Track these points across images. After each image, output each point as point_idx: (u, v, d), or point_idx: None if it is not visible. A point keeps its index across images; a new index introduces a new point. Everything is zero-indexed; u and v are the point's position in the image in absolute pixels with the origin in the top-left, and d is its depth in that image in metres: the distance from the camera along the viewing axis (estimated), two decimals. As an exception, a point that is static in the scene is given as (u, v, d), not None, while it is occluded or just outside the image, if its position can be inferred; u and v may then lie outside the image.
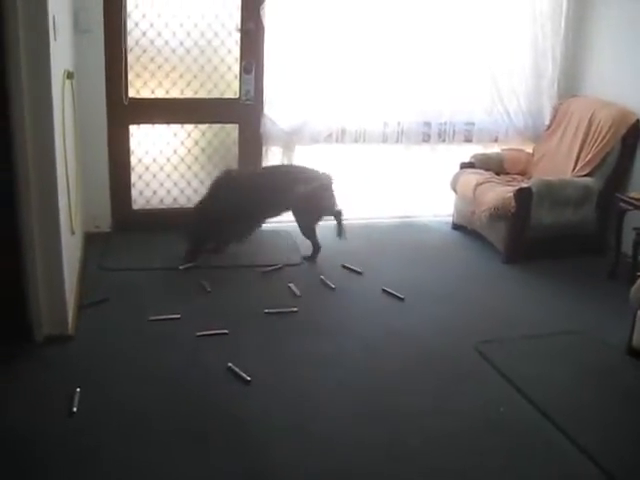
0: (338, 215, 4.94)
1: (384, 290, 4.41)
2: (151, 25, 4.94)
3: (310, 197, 4.75)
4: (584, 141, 5.25)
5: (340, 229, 4.95)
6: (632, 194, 4.67)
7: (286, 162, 5.38)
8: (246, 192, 4.64)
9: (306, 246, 4.94)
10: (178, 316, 3.94)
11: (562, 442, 3.02)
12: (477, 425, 3.14)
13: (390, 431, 3.06)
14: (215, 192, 4.74)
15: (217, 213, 4.59)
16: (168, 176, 5.30)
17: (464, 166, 5.64)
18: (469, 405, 3.28)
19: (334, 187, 4.86)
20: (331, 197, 4.86)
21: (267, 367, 3.50)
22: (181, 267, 4.58)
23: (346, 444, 2.95)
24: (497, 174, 5.52)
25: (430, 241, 5.44)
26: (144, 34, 4.95)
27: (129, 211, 5.25)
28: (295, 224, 4.90)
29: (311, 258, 4.89)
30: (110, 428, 2.97)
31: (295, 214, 4.86)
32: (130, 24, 4.88)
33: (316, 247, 4.89)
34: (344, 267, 4.77)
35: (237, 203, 4.59)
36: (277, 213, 4.95)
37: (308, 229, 4.87)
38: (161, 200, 5.34)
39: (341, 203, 4.94)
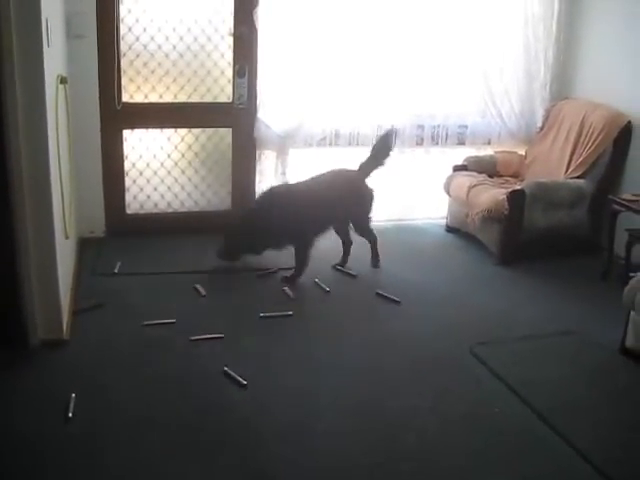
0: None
1: (378, 294, 4.42)
2: (144, 30, 4.95)
3: (361, 200, 4.80)
4: (576, 143, 5.27)
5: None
6: (624, 196, 4.69)
7: (280, 165, 5.39)
8: (301, 205, 4.55)
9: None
10: (173, 321, 3.94)
11: (556, 442, 3.03)
12: (472, 425, 3.15)
13: (387, 432, 3.07)
14: (269, 204, 4.64)
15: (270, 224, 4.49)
16: (162, 181, 5.31)
17: (457, 169, 5.66)
18: (464, 406, 3.29)
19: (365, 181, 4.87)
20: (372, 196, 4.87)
21: (263, 371, 3.50)
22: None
23: (343, 447, 2.96)
24: (490, 176, 5.54)
25: (424, 244, 5.46)
26: (137, 39, 4.96)
27: (123, 216, 5.25)
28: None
29: (375, 256, 4.90)
30: (106, 433, 2.97)
31: (354, 215, 4.84)
32: (123, 29, 4.89)
33: (374, 239, 4.90)
34: (338, 270, 4.78)
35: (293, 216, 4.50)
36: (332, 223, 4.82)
37: (367, 227, 4.88)
38: (155, 205, 5.34)
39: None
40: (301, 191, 4.69)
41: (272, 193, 4.73)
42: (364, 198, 4.82)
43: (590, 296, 4.55)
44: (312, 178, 4.79)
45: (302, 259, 4.62)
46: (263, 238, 4.57)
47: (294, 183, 4.90)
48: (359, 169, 4.86)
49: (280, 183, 5.19)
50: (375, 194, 4.86)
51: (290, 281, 4.57)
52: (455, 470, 2.86)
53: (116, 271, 4.58)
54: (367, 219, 4.88)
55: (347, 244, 4.91)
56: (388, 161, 4.91)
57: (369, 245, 4.91)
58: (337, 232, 4.89)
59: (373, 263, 4.91)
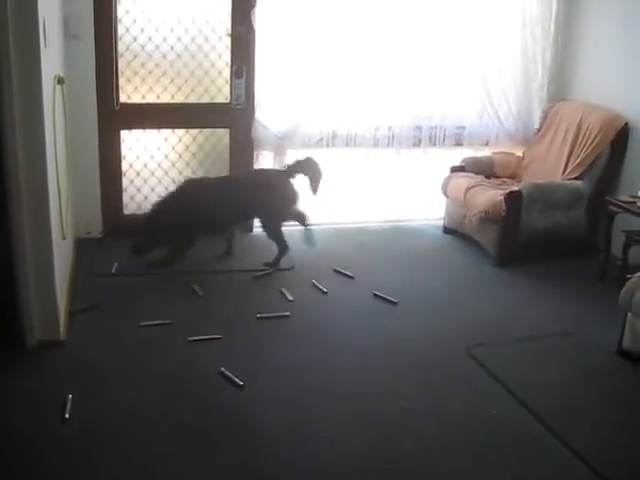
0: (302, 219, 4.91)
1: (376, 295, 4.42)
2: (142, 30, 4.95)
3: (273, 201, 4.73)
4: (573, 144, 5.28)
5: (308, 235, 4.92)
6: (621, 197, 4.70)
7: (278, 166, 5.39)
8: (207, 200, 4.56)
9: (297, 250, 4.94)
10: (170, 321, 3.94)
11: (554, 443, 3.04)
12: (469, 427, 3.15)
13: (384, 433, 3.07)
14: (175, 199, 4.64)
15: (175, 219, 4.50)
16: (159, 181, 5.30)
17: (454, 170, 5.66)
18: (462, 407, 3.29)
19: (296, 189, 4.81)
20: (294, 199, 4.81)
21: (260, 372, 3.50)
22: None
23: (340, 447, 2.96)
24: (487, 177, 5.55)
25: (421, 245, 5.46)
26: (135, 39, 4.95)
27: (120, 216, 5.24)
28: (287, 228, 4.89)
29: (275, 261, 4.81)
30: (102, 434, 2.97)
31: (260, 219, 4.85)
32: (121, 29, 4.89)
33: (282, 248, 4.81)
34: (336, 271, 4.77)
35: (198, 210, 4.51)
36: (240, 220, 4.92)
37: (274, 232, 4.81)
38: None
39: (306, 208, 4.92)
40: (209, 186, 4.72)
41: (181, 187, 4.77)
42: (278, 202, 4.77)
43: (587, 297, 4.55)
44: (229, 175, 4.96)
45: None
46: (163, 231, 4.55)
47: (209, 178, 4.94)
48: (286, 172, 4.87)
49: (197, 177, 5.14)
50: (297, 200, 4.82)
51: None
52: (453, 472, 2.86)
53: (113, 271, 4.58)
54: (277, 223, 4.81)
55: (230, 242, 4.94)
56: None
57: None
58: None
59: (270, 263, 4.82)
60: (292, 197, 4.78)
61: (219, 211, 4.55)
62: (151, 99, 5.11)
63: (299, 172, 4.83)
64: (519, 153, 5.86)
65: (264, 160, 5.44)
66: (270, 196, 4.69)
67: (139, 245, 4.56)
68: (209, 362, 3.54)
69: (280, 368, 3.55)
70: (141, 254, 4.58)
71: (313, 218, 5.03)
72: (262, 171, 5.13)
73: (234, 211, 4.67)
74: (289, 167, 4.89)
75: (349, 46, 5.26)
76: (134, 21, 4.92)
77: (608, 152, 5.09)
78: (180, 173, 5.31)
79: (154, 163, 5.26)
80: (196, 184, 4.80)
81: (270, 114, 5.30)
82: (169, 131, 5.25)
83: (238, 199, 4.59)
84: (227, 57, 5.16)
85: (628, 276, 3.83)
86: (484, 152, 5.90)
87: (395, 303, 4.33)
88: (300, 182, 4.83)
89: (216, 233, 4.82)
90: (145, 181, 5.28)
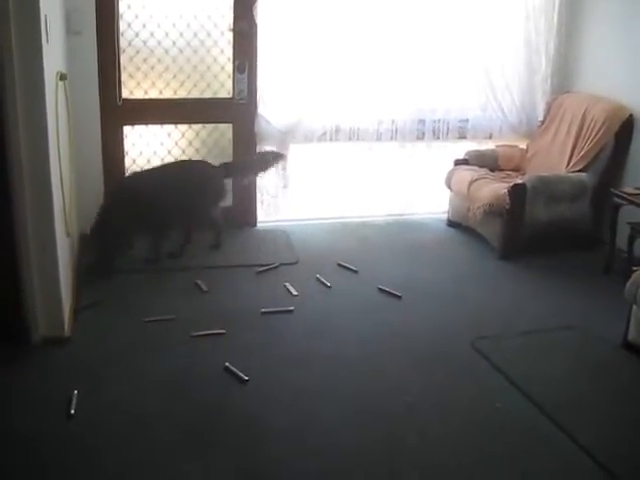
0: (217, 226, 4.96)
1: (380, 289, 4.42)
2: (144, 26, 4.94)
3: (201, 193, 4.76)
4: (578, 137, 5.26)
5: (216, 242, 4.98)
6: (626, 189, 4.67)
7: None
8: (144, 194, 4.48)
9: (300, 245, 4.94)
10: (174, 317, 3.94)
11: (559, 437, 3.03)
12: (474, 421, 3.14)
13: (388, 428, 3.07)
14: (116, 198, 4.57)
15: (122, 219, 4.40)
16: (163, 177, 5.29)
17: (458, 163, 5.65)
18: (466, 401, 3.29)
19: (221, 178, 4.88)
20: (220, 188, 4.88)
21: (264, 366, 3.50)
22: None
23: (344, 442, 2.96)
24: (491, 170, 5.53)
25: (425, 238, 5.44)
26: (137, 35, 4.94)
27: (124, 212, 5.23)
28: (291, 223, 4.89)
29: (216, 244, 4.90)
30: (108, 429, 2.97)
31: (189, 209, 4.76)
32: (122, 25, 4.88)
33: (218, 228, 4.92)
34: (340, 265, 4.77)
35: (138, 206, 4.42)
36: (178, 211, 4.69)
37: (204, 217, 4.88)
38: (156, 201, 5.33)
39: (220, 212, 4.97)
40: (145, 179, 4.72)
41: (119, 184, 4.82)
42: (205, 194, 4.79)
43: (592, 290, 4.54)
44: (162, 166, 4.97)
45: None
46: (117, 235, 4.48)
47: (143, 171, 4.97)
48: (220, 165, 4.92)
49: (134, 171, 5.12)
50: (223, 193, 4.90)
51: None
52: (457, 466, 2.85)
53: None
54: (205, 215, 4.88)
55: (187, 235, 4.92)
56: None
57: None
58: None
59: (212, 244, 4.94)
60: (216, 192, 4.85)
61: (159, 203, 4.46)
62: (153, 94, 5.10)
63: (236, 173, 5.01)
64: (523, 146, 5.84)
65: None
66: (198, 188, 4.72)
67: (99, 262, 4.42)
68: (213, 357, 3.54)
69: (284, 363, 3.55)
70: (107, 271, 4.43)
71: (316, 212, 5.02)
72: (193, 163, 5.06)
73: (171, 202, 4.55)
74: (228, 165, 4.99)
75: (352, 40, 5.24)
76: (136, 16, 4.90)
77: (612, 144, 5.07)
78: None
79: (157, 159, 5.25)
80: (131, 180, 4.82)
81: (273, 109, 5.28)
82: (172, 126, 5.24)
83: (172, 191, 4.54)
84: (229, 52, 5.14)
85: (634, 268, 3.82)
86: (488, 145, 5.88)
87: (399, 297, 4.33)
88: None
89: (165, 223, 4.68)
90: (148, 177, 5.27)
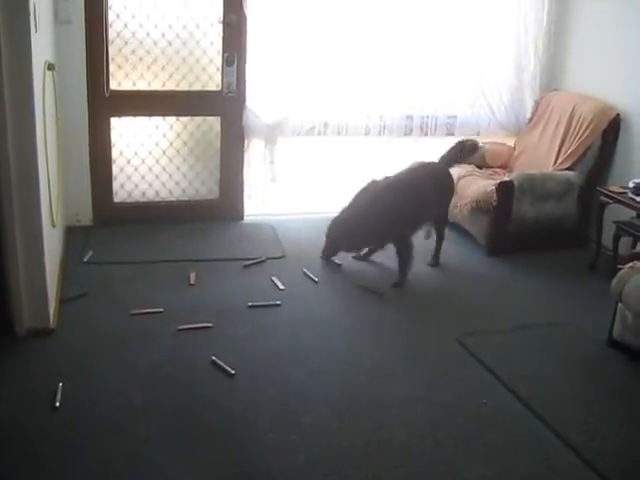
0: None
1: (360, 286, 4.41)
2: (133, 17, 4.90)
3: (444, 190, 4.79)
4: (565, 135, 5.28)
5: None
6: (612, 187, 4.70)
7: (269, 154, 5.37)
8: (392, 198, 4.51)
9: (287, 239, 4.94)
10: (161, 310, 3.92)
11: (544, 433, 3.05)
12: (460, 417, 3.15)
13: (374, 422, 3.07)
14: (361, 200, 4.63)
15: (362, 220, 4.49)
16: (150, 169, 5.26)
17: (446, 159, 5.64)
18: (452, 397, 3.30)
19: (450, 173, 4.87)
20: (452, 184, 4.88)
21: (251, 360, 3.49)
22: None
23: (331, 436, 2.96)
24: (479, 167, 5.54)
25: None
26: (125, 26, 4.90)
27: (110, 204, 5.21)
28: (279, 217, 4.86)
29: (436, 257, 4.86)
30: (93, 422, 2.96)
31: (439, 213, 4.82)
32: (111, 15, 4.84)
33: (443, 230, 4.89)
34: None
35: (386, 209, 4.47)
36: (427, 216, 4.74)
37: (446, 217, 4.91)
38: (143, 193, 5.30)
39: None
40: None
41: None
42: (445, 193, 4.83)
43: (578, 288, 4.57)
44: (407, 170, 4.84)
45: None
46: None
47: None
48: (441, 161, 4.89)
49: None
50: (454, 189, 4.88)
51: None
52: (443, 461, 2.86)
53: (85, 260, 4.53)
54: (446, 214, 4.92)
55: None
56: None
57: None
58: None
59: None
60: (451, 189, 4.88)
61: None
62: (142, 86, 5.06)
63: (451, 165, 4.93)
64: (510, 143, 5.85)
65: (255, 149, 5.41)
66: (441, 189, 4.78)
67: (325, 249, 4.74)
68: (200, 350, 3.53)
69: (271, 356, 3.55)
70: (328, 256, 4.72)
71: (303, 207, 5.01)
72: (429, 164, 4.96)
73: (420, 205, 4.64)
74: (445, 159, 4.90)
75: (341, 35, 5.23)
76: (125, 7, 4.86)
77: (600, 143, 5.09)
78: (170, 161, 5.28)
79: (144, 151, 5.22)
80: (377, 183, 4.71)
81: (261, 102, 5.25)
82: (160, 119, 5.20)
83: (421, 194, 4.61)
84: (219, 44, 5.11)
85: (619, 267, 3.85)
86: (476, 142, 5.88)
87: (382, 294, 4.32)
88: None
89: None
90: (135, 169, 5.23)
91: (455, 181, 5.18)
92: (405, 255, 4.52)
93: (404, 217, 4.49)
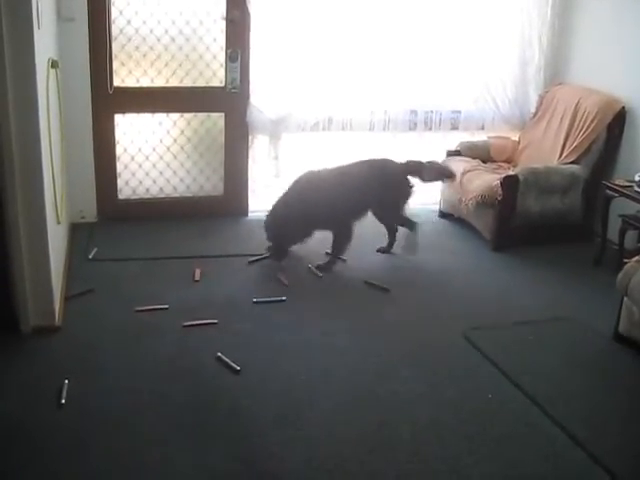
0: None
1: (367, 282, 4.40)
2: (136, 13, 4.90)
3: (391, 187, 4.75)
4: (570, 129, 5.26)
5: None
6: (618, 181, 4.69)
7: (273, 150, 5.37)
8: (325, 191, 4.53)
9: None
10: (166, 306, 3.93)
11: (550, 428, 3.04)
12: (465, 411, 3.15)
13: (379, 419, 3.07)
14: (295, 191, 4.61)
15: (297, 213, 4.47)
16: (154, 166, 5.27)
17: (450, 154, 5.64)
18: (457, 392, 3.29)
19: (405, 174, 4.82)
20: (407, 186, 4.82)
21: (256, 356, 3.50)
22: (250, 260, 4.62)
23: (336, 432, 2.96)
24: (484, 162, 5.53)
25: (417, 229, 5.44)
26: (129, 22, 4.90)
27: (115, 201, 5.22)
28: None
29: (411, 243, 4.83)
30: (99, 419, 2.96)
31: (379, 210, 4.78)
32: (114, 12, 4.83)
33: (411, 224, 4.83)
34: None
35: (318, 202, 4.48)
36: (361, 211, 4.72)
37: (397, 217, 4.86)
38: (147, 190, 5.31)
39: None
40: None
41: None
42: (390, 191, 4.79)
43: (583, 282, 4.55)
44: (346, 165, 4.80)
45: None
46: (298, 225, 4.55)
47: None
48: (404, 163, 4.86)
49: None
50: (409, 190, 4.83)
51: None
52: (448, 456, 2.86)
53: (90, 257, 4.54)
54: (396, 213, 4.86)
55: None
56: None
57: None
58: None
59: None
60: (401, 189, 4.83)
61: None
62: (145, 83, 5.06)
63: (416, 173, 4.86)
64: (515, 137, 5.83)
65: (259, 145, 5.41)
66: (384, 185, 4.73)
67: (271, 249, 4.65)
68: (205, 347, 3.53)
69: (276, 353, 3.55)
70: (279, 256, 4.60)
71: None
72: (376, 160, 4.93)
73: (352, 199, 4.63)
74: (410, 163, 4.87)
75: (345, 30, 5.22)
76: (128, 3, 4.86)
77: (605, 136, 5.08)
78: (175, 157, 5.29)
79: (148, 147, 5.23)
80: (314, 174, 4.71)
81: (265, 98, 5.25)
82: (163, 115, 5.21)
83: (354, 188, 4.59)
84: (222, 41, 5.11)
85: (625, 260, 3.84)
86: (480, 136, 5.87)
87: (388, 290, 4.31)
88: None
89: None
90: (140, 165, 5.24)
91: (459, 176, 5.19)
92: (341, 240, 4.60)
93: (344, 204, 4.51)
